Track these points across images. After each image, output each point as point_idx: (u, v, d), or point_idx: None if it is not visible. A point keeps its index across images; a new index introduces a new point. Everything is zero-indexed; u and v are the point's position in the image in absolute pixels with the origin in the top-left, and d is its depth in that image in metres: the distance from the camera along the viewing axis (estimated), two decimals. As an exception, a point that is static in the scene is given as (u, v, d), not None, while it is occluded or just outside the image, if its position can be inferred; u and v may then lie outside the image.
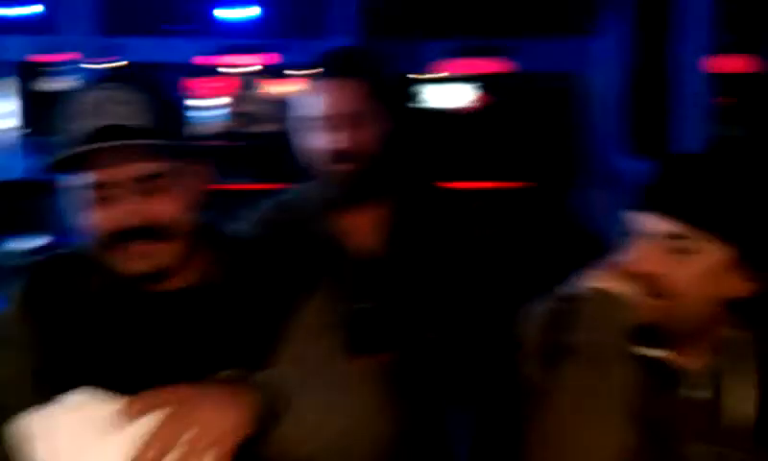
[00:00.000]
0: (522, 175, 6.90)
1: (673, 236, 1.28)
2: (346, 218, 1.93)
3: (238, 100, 11.50)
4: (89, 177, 1.32)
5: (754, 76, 5.97)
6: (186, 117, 1.43)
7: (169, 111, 1.37)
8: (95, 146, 1.29)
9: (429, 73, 8.68)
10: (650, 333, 1.32)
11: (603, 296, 1.30)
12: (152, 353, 1.34)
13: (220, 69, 10.79)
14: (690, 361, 1.35)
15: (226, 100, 11.34)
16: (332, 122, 1.86)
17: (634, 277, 1.30)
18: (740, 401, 1.35)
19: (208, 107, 11.06)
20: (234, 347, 1.36)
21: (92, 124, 1.31)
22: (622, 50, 6.09)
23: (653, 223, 1.30)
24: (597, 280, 1.32)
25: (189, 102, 10.62)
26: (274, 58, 10.23)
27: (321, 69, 1.93)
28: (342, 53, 2.04)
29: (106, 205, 1.32)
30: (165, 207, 1.33)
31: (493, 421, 1.80)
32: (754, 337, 1.37)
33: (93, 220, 1.33)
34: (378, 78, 1.94)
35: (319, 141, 1.88)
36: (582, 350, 1.28)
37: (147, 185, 1.32)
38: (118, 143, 1.30)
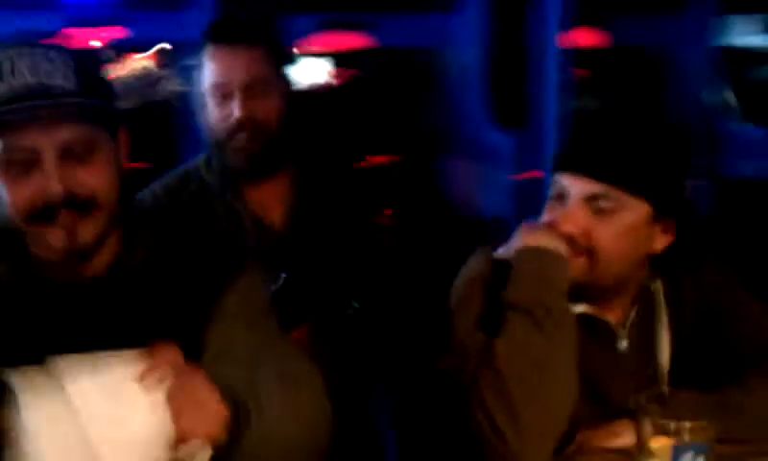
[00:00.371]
0: (388, 150, 6.96)
1: (594, 197, 1.33)
2: (248, 191, 1.89)
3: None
4: (9, 143, 1.19)
5: (605, 50, 6.29)
6: (110, 82, 1.34)
7: (93, 75, 1.25)
8: (17, 106, 1.17)
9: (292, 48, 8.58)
10: (575, 290, 1.37)
11: (541, 254, 1.34)
12: (66, 348, 1.24)
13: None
14: (613, 314, 1.41)
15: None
16: (231, 91, 1.81)
17: (558, 237, 1.35)
18: (658, 349, 1.42)
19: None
20: (155, 338, 1.26)
21: (12, 85, 1.18)
22: (481, 26, 6.23)
23: (574, 185, 1.35)
24: (531, 239, 1.36)
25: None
26: (122, 32, 9.79)
27: (215, 38, 1.88)
28: (237, 21, 2.00)
29: (27, 174, 1.20)
30: (92, 178, 1.22)
31: (421, 386, 1.81)
32: (667, 286, 1.46)
33: (13, 191, 1.21)
34: (275, 46, 1.91)
35: (217, 112, 1.83)
36: (528, 308, 1.31)
37: (72, 154, 1.21)
38: (45, 103, 1.17)
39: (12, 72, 1.19)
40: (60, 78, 1.20)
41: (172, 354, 1.12)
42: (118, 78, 11.16)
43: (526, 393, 1.28)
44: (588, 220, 1.35)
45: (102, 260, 1.29)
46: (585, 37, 6.04)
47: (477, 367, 1.32)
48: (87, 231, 1.23)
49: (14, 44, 1.23)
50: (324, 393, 1.32)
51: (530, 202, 5.79)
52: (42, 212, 1.21)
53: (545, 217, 1.40)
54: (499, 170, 5.64)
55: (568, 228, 1.35)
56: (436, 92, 7.04)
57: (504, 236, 1.45)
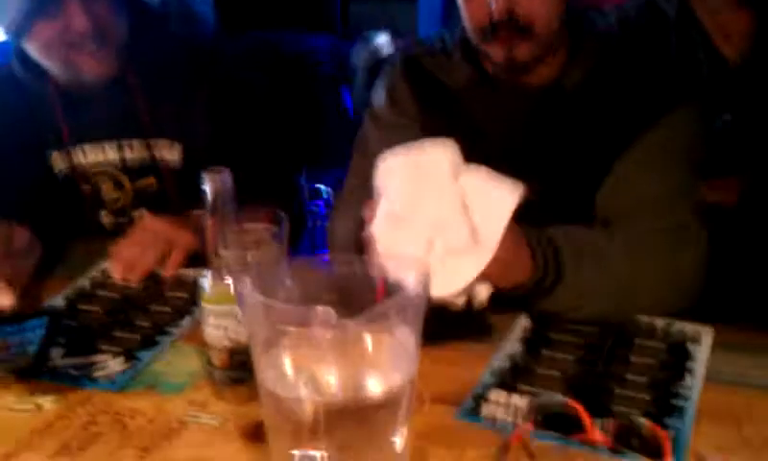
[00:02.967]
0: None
1: None
2: (708, 21, 1.75)
3: None
4: None
5: None
6: None
7: None
8: None
9: None
10: None
11: None
12: (507, 147, 1.32)
13: None
14: None
15: None
16: None
17: None
18: None
19: None
20: (577, 155, 1.33)
21: None
22: None
23: None
24: None
25: None
26: None
27: None
28: None
29: None
30: (532, 3, 1.29)
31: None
32: None
33: (466, 7, 1.34)
34: None
35: None
36: None
37: None
38: None
39: None
40: None
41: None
42: None
43: None
44: None
45: (545, 74, 1.38)
46: None
47: None
48: (523, 51, 1.32)
49: None
50: (699, 264, 1.25)
51: None
52: (487, 29, 1.32)
53: None
54: None
55: None
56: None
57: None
